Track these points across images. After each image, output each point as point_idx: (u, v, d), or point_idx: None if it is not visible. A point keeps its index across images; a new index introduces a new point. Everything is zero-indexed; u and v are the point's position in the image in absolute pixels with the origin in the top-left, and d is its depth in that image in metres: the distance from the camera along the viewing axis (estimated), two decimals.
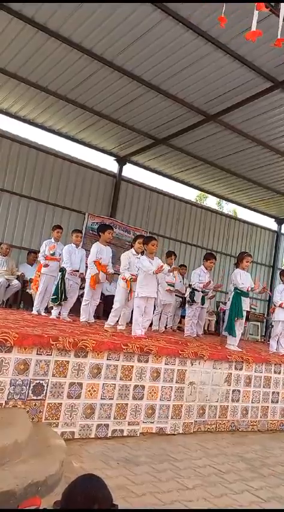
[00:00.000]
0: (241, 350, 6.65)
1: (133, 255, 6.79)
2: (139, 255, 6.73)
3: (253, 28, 3.62)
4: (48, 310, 8.45)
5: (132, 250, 6.89)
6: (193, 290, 8.16)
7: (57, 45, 8.08)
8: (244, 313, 7.09)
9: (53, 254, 7.97)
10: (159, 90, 9.17)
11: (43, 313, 7.96)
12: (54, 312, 7.45)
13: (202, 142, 11.46)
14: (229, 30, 7.04)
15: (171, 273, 8.12)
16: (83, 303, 7.20)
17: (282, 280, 8.40)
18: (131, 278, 6.56)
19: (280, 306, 8.00)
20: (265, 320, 15.34)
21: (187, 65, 8.22)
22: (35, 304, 8.03)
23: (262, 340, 13.73)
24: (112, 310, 6.78)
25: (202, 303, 8.25)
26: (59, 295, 7.38)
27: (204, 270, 8.28)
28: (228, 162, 12.48)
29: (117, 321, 6.85)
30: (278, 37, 3.54)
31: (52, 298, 7.54)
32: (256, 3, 3.41)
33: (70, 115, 10.79)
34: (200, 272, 8.28)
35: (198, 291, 8.11)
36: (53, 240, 8.17)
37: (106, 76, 8.90)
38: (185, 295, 8.85)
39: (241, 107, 9.26)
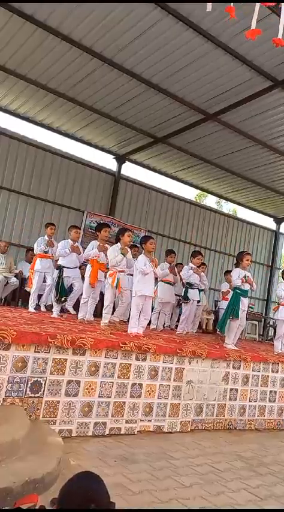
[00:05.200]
0: (238, 349, 6.66)
1: (120, 249, 6.63)
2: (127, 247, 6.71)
3: (253, 26, 3.58)
4: (46, 308, 8.46)
5: (118, 244, 6.71)
6: (187, 288, 8.22)
7: (57, 43, 8.07)
8: (241, 313, 7.07)
9: (46, 252, 7.98)
10: (158, 89, 9.17)
11: (33, 311, 7.94)
12: (55, 311, 7.44)
13: (201, 141, 11.47)
14: (229, 29, 7.06)
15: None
16: (82, 301, 7.21)
17: None
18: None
19: None
20: (263, 319, 15.36)
21: (187, 63, 8.22)
22: (30, 302, 7.99)
23: (260, 339, 13.75)
24: (103, 308, 6.78)
25: (199, 300, 8.45)
26: (60, 294, 7.37)
27: (191, 268, 8.40)
28: (227, 161, 12.49)
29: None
30: (279, 37, 3.51)
31: (57, 298, 7.50)
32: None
33: (69, 113, 10.79)
34: (189, 268, 8.45)
35: (192, 288, 8.20)
36: (46, 237, 8.16)
37: (106, 74, 8.89)
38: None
39: (240, 106, 9.27)
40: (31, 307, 7.89)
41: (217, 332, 8.64)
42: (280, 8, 3.97)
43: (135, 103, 9.94)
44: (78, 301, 7.61)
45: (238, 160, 12.31)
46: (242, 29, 6.72)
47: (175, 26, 7.26)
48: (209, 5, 3.41)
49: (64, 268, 7.44)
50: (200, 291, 8.67)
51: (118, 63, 8.49)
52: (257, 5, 3.72)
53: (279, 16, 3.93)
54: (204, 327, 11.94)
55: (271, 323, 14.94)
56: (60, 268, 7.47)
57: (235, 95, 9.02)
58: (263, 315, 15.95)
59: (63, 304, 7.50)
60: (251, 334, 13.71)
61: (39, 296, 8.27)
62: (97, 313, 8.66)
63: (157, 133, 11.35)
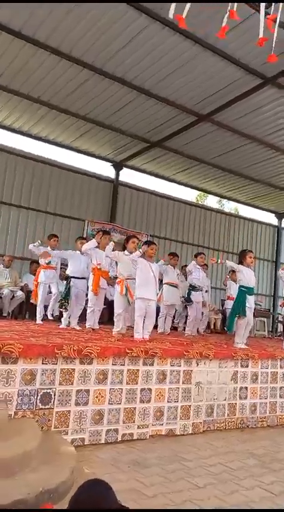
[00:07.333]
0: (246, 347, 6.68)
1: (125, 255, 6.73)
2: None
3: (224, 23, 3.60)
4: (53, 317, 8.52)
5: (125, 252, 6.82)
6: (190, 290, 8.29)
7: (46, 56, 8.16)
8: (248, 312, 7.09)
9: (49, 263, 8.04)
10: (150, 94, 9.25)
11: (50, 318, 8.03)
12: (64, 322, 7.49)
13: (196, 143, 11.52)
14: (215, 31, 7.07)
15: (175, 274, 8.53)
16: (88, 310, 7.25)
17: None
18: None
19: None
20: (271, 315, 15.34)
21: (176, 67, 8.29)
22: (37, 314, 8.06)
23: (270, 335, 13.72)
24: (114, 315, 6.82)
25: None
26: (66, 297, 7.45)
27: (197, 266, 8.52)
28: (224, 160, 12.53)
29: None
30: (260, 36, 3.56)
31: (61, 302, 7.59)
32: (229, 11, 3.42)
33: (64, 124, 10.88)
34: (193, 268, 8.58)
35: (195, 290, 8.27)
36: (49, 248, 8.22)
37: (97, 83, 8.97)
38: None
39: (232, 105, 9.33)
40: (39, 320, 7.97)
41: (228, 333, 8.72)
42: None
43: (128, 110, 10.01)
44: (82, 316, 7.63)
45: (235, 158, 12.35)
46: (228, 31, 6.75)
47: (162, 32, 7.34)
48: (171, 10, 3.44)
49: (72, 278, 7.49)
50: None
51: (108, 72, 8.57)
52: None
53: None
54: (212, 326, 11.96)
55: (279, 319, 14.93)
56: (67, 278, 7.53)
57: (226, 94, 9.07)
58: (271, 311, 15.93)
59: (64, 308, 7.54)
60: (260, 331, 13.69)
61: (45, 307, 8.32)
62: (104, 320, 8.73)
63: (152, 137, 11.41)
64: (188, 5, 3.25)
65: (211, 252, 14.94)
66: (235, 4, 3.53)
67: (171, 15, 3.39)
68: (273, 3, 3.76)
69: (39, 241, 8.15)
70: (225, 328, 7.31)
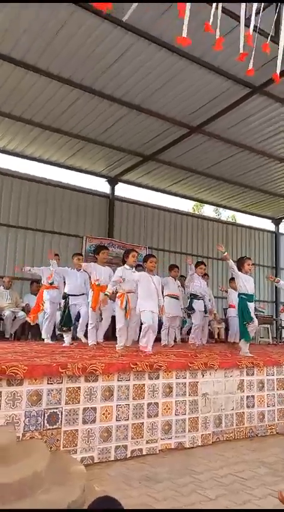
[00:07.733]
0: (251, 355, 6.67)
1: (126, 270, 6.72)
2: (134, 269, 6.78)
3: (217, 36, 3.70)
4: (57, 338, 8.51)
5: (126, 265, 6.81)
6: (192, 298, 8.31)
7: (37, 78, 8.26)
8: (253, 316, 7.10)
9: (52, 283, 8.07)
10: (140, 109, 9.35)
11: (50, 341, 8.01)
12: (67, 339, 7.49)
13: (189, 154, 11.63)
14: (200, 44, 7.20)
15: (177, 285, 8.59)
16: (89, 327, 7.24)
17: None
18: (107, 294, 6.63)
19: None
20: (274, 322, 15.30)
21: (165, 81, 8.40)
22: (43, 333, 8.08)
23: (274, 342, 13.68)
24: (116, 331, 6.81)
25: (205, 311, 8.54)
26: (66, 322, 7.43)
27: (196, 276, 8.58)
28: (218, 170, 12.64)
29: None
30: (241, 51, 3.65)
31: (60, 327, 7.58)
32: (205, 24, 3.52)
33: (57, 143, 10.98)
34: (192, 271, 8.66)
35: (197, 299, 8.29)
36: (51, 267, 8.26)
37: (88, 102, 9.08)
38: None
39: (223, 115, 9.44)
40: (47, 338, 7.96)
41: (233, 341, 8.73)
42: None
43: (119, 126, 10.11)
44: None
45: (228, 167, 12.46)
46: (213, 42, 6.85)
47: (148, 48, 7.45)
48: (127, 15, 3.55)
49: (70, 296, 7.51)
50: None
51: (98, 90, 8.67)
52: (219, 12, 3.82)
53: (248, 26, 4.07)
54: (216, 336, 11.93)
55: (283, 324, 14.90)
56: (65, 297, 7.54)
57: (216, 105, 9.19)
58: (274, 317, 15.91)
59: (67, 332, 7.52)
60: (264, 338, 13.66)
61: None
62: (108, 335, 8.71)
63: (145, 151, 11.51)
64: (185, 23, 3.33)
65: (211, 261, 14.98)
66: (212, 14, 3.61)
67: (124, 19, 3.54)
68: (253, 14, 3.84)
69: (22, 268, 8.51)
70: (240, 339, 7.22)
